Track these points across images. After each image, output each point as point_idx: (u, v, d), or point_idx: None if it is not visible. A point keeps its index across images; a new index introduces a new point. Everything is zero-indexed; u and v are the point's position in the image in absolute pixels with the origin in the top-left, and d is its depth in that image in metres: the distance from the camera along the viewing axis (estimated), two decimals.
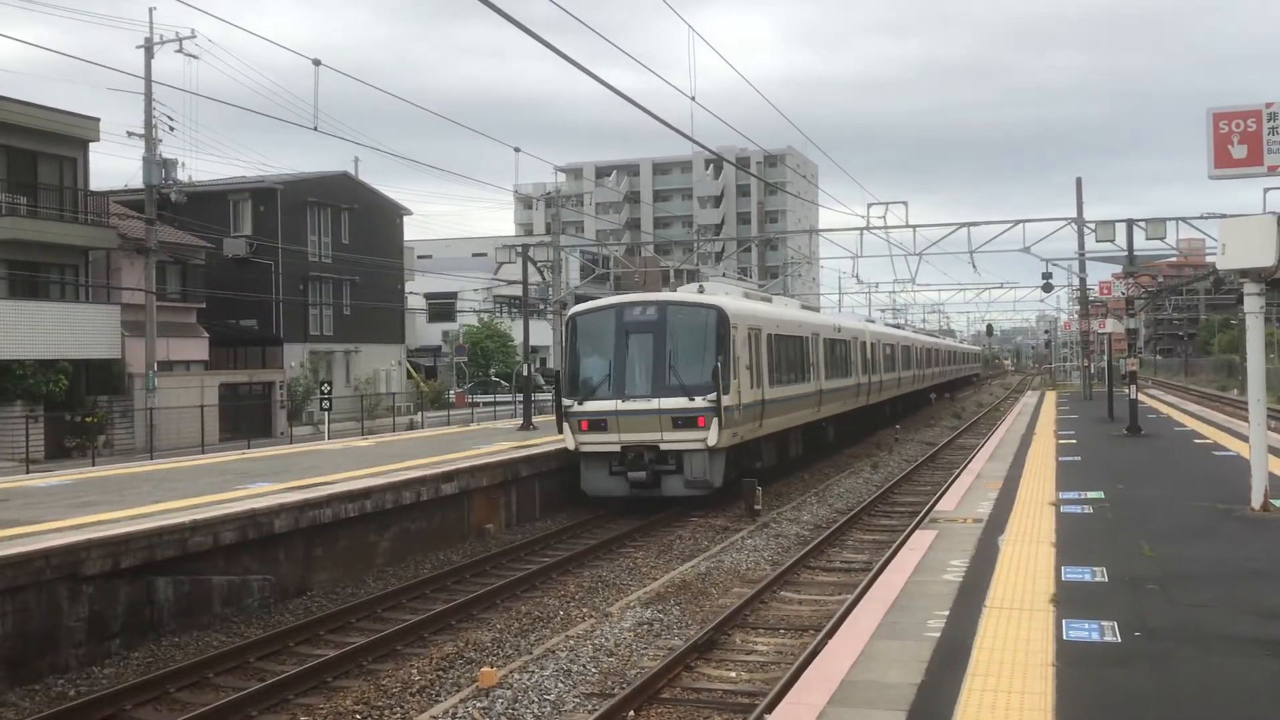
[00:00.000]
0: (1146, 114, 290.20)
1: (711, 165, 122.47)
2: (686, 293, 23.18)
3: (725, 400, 20.20)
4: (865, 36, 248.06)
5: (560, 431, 21.50)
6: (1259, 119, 15.13)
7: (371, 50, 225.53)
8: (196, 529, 13.19)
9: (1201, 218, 35.96)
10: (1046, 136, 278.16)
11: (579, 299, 64.61)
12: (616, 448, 20.56)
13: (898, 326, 65.31)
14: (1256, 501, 12.69)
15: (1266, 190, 22.43)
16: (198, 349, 39.82)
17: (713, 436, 20.03)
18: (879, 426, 39.68)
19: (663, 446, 20.31)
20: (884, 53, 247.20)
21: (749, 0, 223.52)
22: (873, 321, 50.68)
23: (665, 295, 23.38)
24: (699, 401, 20.08)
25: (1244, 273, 12.24)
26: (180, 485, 17.20)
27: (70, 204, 35.32)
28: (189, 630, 12.79)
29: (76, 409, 32.91)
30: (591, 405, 20.65)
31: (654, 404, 20.30)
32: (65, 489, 17.28)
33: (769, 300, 28.60)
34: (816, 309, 43.48)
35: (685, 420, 20.18)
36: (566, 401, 21.03)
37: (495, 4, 11.60)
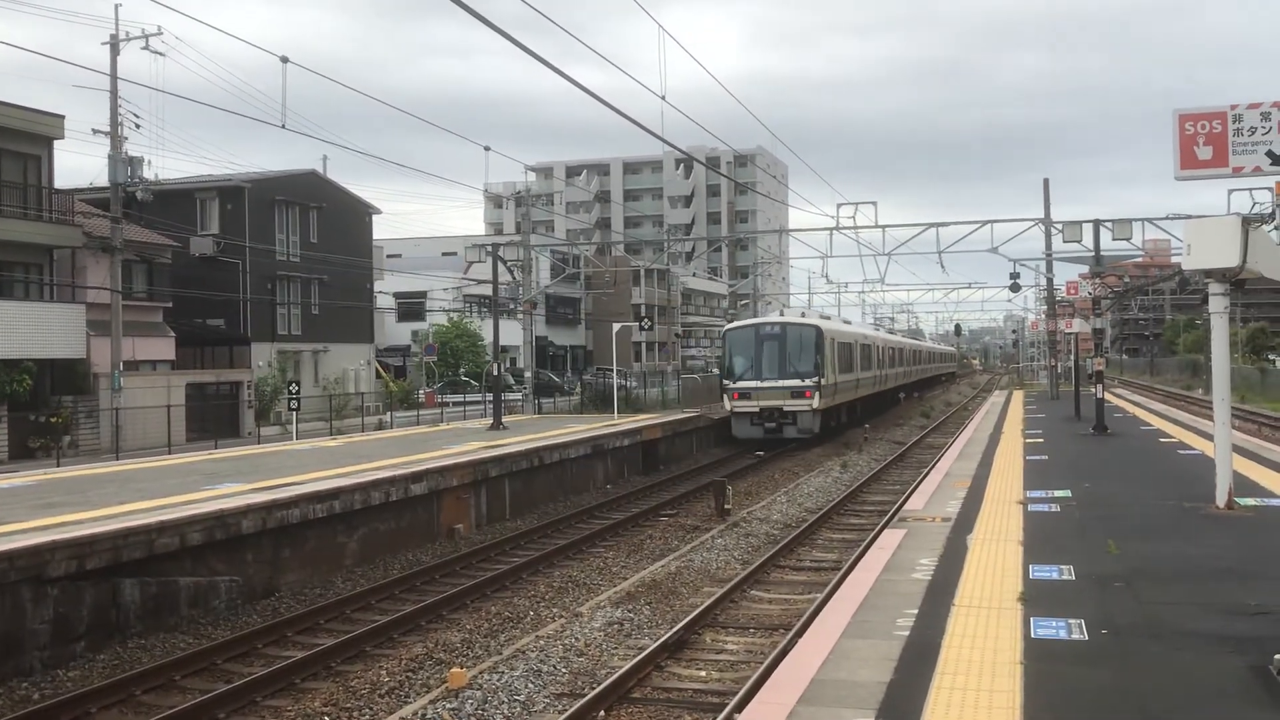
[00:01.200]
0: (1113, 115, 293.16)
1: (682, 165, 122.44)
2: (793, 315, 37.07)
3: (822, 381, 32.92)
4: (835, 37, 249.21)
5: (722, 400, 34.56)
6: (1224, 120, 15.27)
7: (340, 47, 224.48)
8: (163, 530, 13.07)
9: (1167, 218, 36.33)
10: (1015, 137, 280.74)
11: (549, 298, 64.89)
12: (756, 409, 33.11)
13: (890, 333, 77.35)
14: (1221, 500, 12.80)
15: (1231, 191, 22.65)
16: (164, 348, 39.39)
17: (815, 402, 32.70)
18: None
19: (785, 409, 32.76)
20: (854, 53, 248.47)
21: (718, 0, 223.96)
22: (879, 330, 66.73)
23: (785, 318, 36.47)
24: (806, 382, 32.78)
25: (1209, 273, 12.32)
26: (146, 486, 17.03)
27: (34, 202, 34.82)
28: (155, 632, 12.68)
29: (41, 409, 32.51)
30: (741, 384, 33.47)
31: (779, 383, 32.95)
32: (29, 490, 17.07)
33: (829, 318, 41.44)
34: (848, 321, 52.88)
35: (798, 393, 32.76)
36: (726, 382, 34.18)
37: (464, 1, 11.53)
